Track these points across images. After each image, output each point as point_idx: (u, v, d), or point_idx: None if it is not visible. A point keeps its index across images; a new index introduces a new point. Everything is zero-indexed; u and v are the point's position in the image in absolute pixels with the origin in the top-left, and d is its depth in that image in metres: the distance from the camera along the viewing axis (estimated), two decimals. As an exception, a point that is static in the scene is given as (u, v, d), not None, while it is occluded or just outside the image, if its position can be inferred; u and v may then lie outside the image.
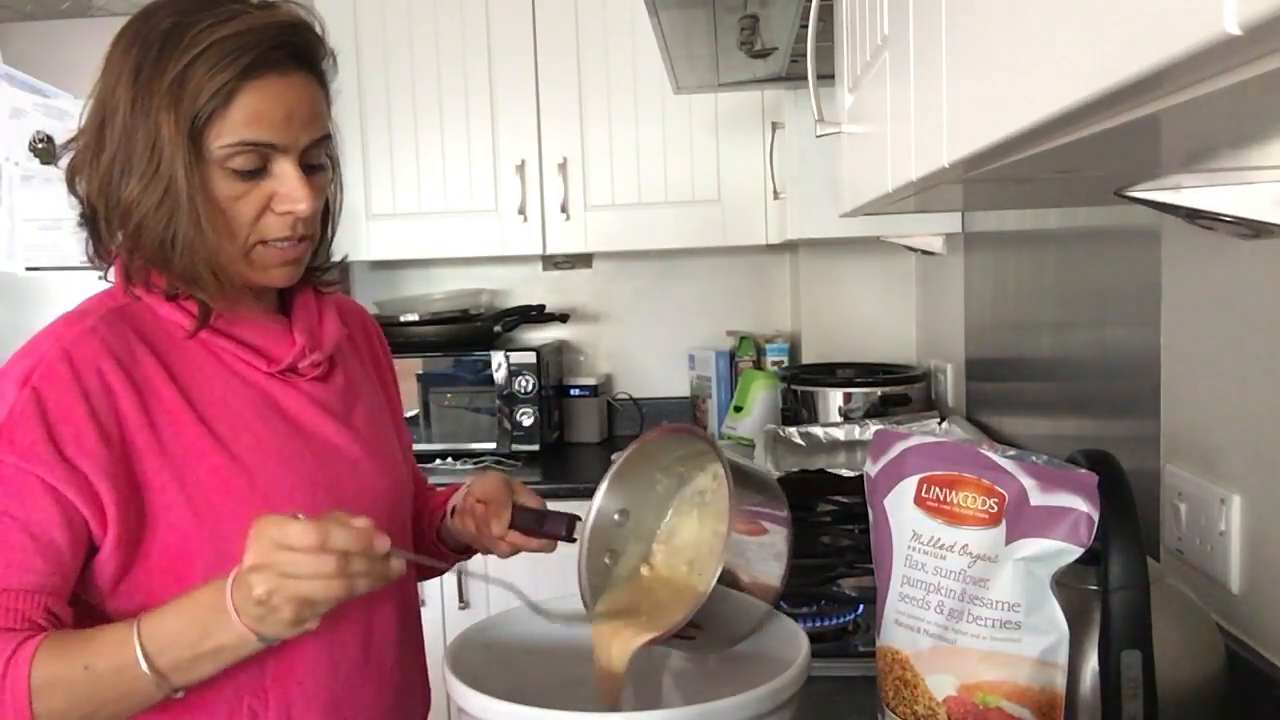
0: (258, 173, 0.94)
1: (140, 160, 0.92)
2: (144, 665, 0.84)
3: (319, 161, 0.99)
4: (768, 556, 0.92)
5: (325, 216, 1.05)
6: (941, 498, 0.84)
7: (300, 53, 0.96)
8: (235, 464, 0.96)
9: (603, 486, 1.01)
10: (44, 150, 2.38)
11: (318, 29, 1.00)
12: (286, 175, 0.95)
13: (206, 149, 0.92)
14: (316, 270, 1.09)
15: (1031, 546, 0.80)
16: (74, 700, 0.84)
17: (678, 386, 2.92)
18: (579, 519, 1.03)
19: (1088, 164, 0.60)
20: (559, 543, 1.07)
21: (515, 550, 1.10)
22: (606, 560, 1.00)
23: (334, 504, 0.99)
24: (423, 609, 2.41)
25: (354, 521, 0.84)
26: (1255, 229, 0.66)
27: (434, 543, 1.21)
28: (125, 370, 0.93)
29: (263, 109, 0.92)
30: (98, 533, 0.90)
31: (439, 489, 1.27)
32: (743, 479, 0.92)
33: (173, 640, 0.85)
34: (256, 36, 0.92)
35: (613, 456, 1.05)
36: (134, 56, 0.93)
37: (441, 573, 1.14)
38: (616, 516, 1.01)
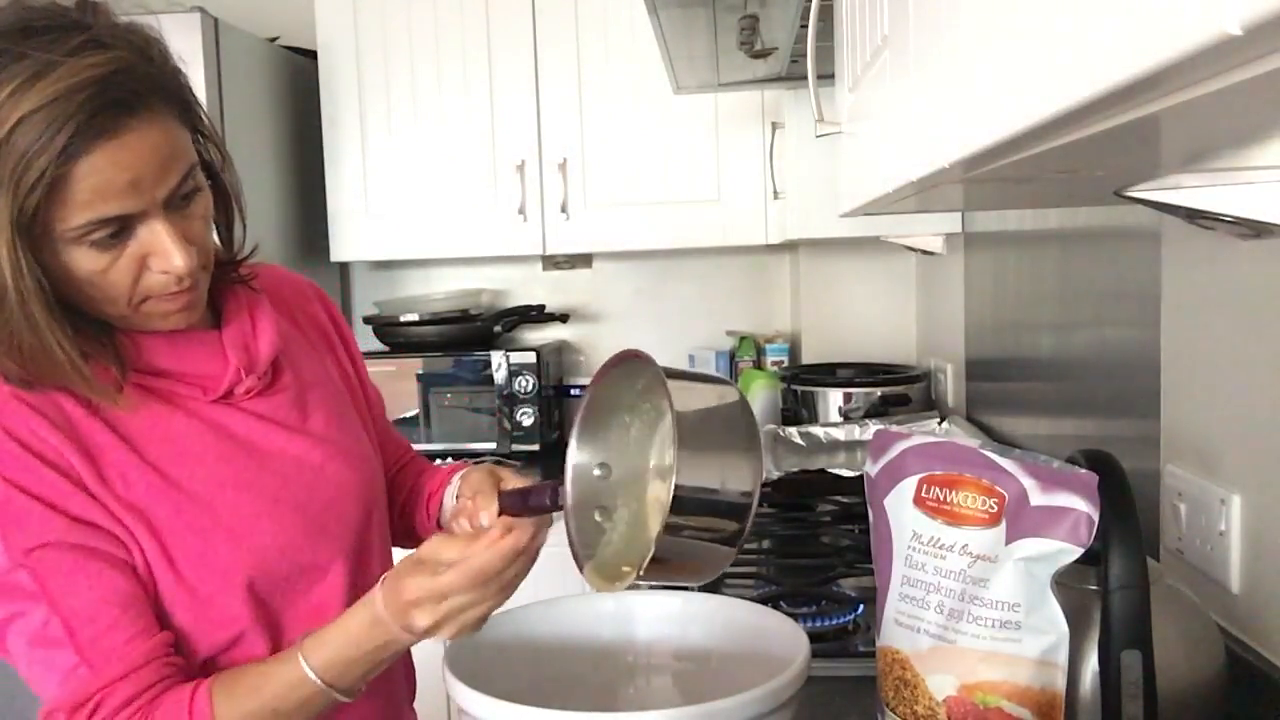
0: (121, 235, 0.84)
1: None
2: (331, 693, 0.88)
3: (188, 190, 0.88)
4: (733, 459, 0.87)
5: (224, 202, 0.97)
6: (941, 498, 0.84)
7: (132, 99, 0.81)
8: (195, 502, 0.92)
9: (571, 445, 0.96)
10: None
11: (152, 50, 0.86)
12: (155, 235, 0.85)
13: (52, 233, 0.81)
14: (233, 265, 1.01)
15: (1031, 546, 0.80)
16: None
17: (678, 386, 2.92)
18: (563, 484, 0.99)
19: (1088, 164, 0.60)
20: (554, 513, 1.06)
21: None
22: (598, 517, 0.97)
23: (303, 519, 0.98)
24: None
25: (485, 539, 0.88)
26: (1255, 229, 0.66)
27: (430, 528, 1.18)
28: (62, 430, 0.87)
29: (103, 183, 0.80)
30: (134, 565, 0.89)
31: (429, 468, 1.23)
32: (685, 387, 0.87)
33: (348, 667, 0.89)
34: (73, 102, 0.77)
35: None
36: None
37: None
38: (597, 471, 0.96)
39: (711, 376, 0.94)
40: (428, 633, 0.88)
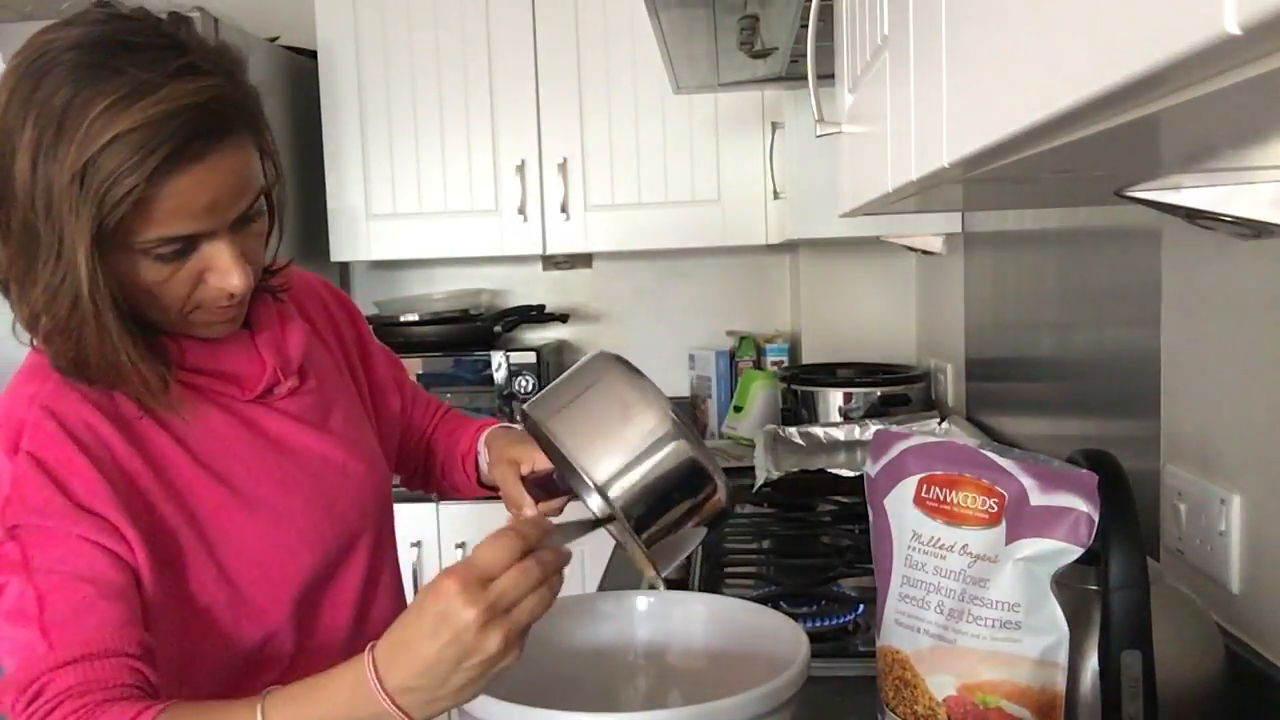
0: (186, 251, 0.86)
1: (44, 265, 0.82)
2: None
3: (253, 212, 0.90)
4: (643, 435, 0.86)
5: (271, 216, 0.98)
6: (941, 498, 0.84)
7: (223, 126, 0.84)
8: (237, 497, 0.93)
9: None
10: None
11: (241, 75, 0.88)
12: (219, 254, 0.87)
13: (124, 241, 0.83)
14: (267, 274, 1.03)
15: (1031, 546, 0.80)
16: None
17: (678, 386, 2.92)
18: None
19: (1088, 164, 0.60)
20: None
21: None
22: None
23: (332, 517, 1.01)
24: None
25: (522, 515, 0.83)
26: (1255, 229, 0.66)
27: (474, 486, 1.22)
28: (111, 420, 0.89)
29: (184, 204, 0.82)
30: (135, 567, 0.87)
31: (459, 426, 1.27)
32: (567, 419, 0.89)
33: None
34: (168, 127, 0.79)
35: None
36: (29, 130, 0.80)
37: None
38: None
39: (577, 379, 0.92)
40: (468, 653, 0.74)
